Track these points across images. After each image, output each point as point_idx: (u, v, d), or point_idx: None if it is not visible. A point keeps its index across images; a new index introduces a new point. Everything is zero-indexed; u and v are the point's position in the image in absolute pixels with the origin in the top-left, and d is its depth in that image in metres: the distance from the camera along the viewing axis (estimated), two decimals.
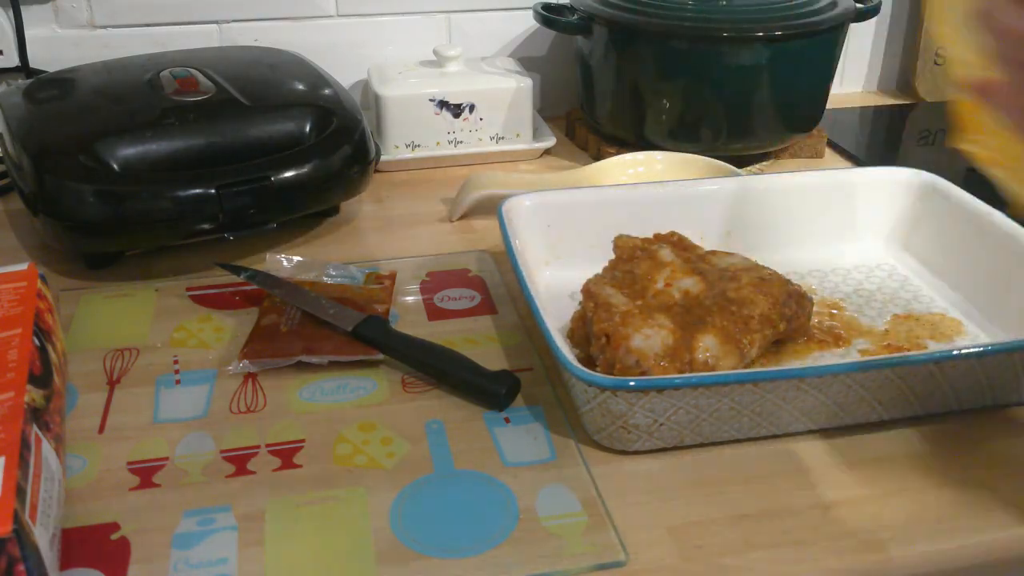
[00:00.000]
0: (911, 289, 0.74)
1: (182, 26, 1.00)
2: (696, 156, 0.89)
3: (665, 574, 0.49)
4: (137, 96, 0.80)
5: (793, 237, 0.78)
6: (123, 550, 0.50)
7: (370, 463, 0.56)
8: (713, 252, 0.69)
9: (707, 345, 0.59)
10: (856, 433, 0.59)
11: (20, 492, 0.45)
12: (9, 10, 0.95)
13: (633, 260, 0.67)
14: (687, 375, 0.56)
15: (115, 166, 0.73)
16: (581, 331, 0.64)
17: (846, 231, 0.79)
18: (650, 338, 0.59)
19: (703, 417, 0.55)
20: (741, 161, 0.92)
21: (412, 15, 1.05)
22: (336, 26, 1.04)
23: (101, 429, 0.59)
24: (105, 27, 0.99)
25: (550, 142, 1.00)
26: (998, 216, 0.71)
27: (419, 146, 0.96)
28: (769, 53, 0.89)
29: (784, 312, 0.63)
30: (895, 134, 1.13)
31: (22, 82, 0.88)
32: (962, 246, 0.73)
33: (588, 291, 0.64)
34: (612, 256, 0.68)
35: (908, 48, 1.20)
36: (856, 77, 1.23)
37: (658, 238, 0.70)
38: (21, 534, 0.43)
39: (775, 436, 0.58)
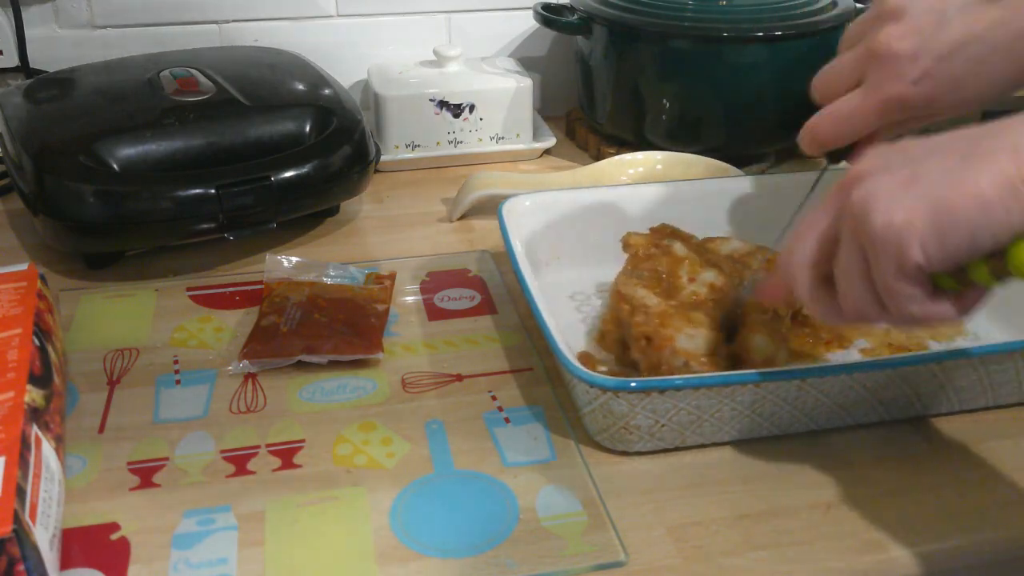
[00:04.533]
0: None
1: (182, 26, 1.00)
2: (696, 156, 0.89)
3: (665, 574, 0.49)
4: (137, 96, 0.80)
5: None
6: (123, 550, 0.50)
7: (370, 463, 0.56)
8: (710, 239, 0.69)
9: (759, 346, 0.59)
10: (856, 433, 0.59)
11: (20, 492, 0.45)
12: (9, 10, 0.95)
13: (651, 258, 0.66)
14: (688, 375, 0.56)
15: (115, 166, 0.73)
16: (615, 334, 0.64)
17: None
18: (694, 337, 0.58)
19: (704, 418, 0.55)
20: (741, 161, 0.92)
21: (412, 15, 1.05)
22: (336, 26, 1.03)
23: (101, 429, 0.59)
24: (105, 27, 0.98)
25: (550, 142, 0.99)
26: None
27: (419, 146, 0.96)
28: (769, 53, 0.89)
29: None
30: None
31: (22, 82, 0.88)
32: None
33: (620, 293, 0.63)
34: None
35: None
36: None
37: (654, 232, 0.69)
38: (21, 534, 0.43)
39: (775, 436, 0.58)
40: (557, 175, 0.89)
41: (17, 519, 0.43)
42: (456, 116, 0.95)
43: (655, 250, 0.67)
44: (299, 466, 0.56)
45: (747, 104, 0.91)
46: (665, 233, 0.69)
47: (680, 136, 0.93)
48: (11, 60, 0.96)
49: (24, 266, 0.63)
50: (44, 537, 0.46)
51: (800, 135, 0.61)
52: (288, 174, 0.75)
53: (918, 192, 0.41)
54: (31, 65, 0.97)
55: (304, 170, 0.76)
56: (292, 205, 0.77)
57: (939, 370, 0.57)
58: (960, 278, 0.42)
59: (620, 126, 0.96)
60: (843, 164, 0.61)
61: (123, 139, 0.74)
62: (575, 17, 0.93)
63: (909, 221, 0.41)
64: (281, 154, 0.77)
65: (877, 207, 0.42)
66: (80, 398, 0.62)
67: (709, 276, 0.63)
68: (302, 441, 0.58)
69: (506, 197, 0.74)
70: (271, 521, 0.52)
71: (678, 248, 0.66)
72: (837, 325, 0.50)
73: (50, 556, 0.46)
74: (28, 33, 0.96)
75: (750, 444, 0.58)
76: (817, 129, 0.60)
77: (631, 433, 0.55)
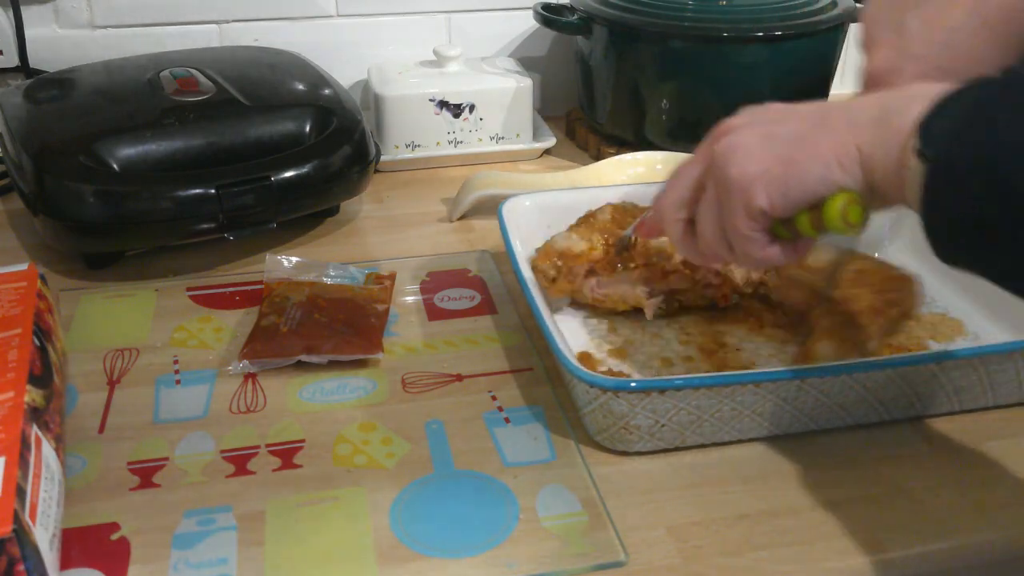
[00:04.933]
0: None
1: (182, 26, 1.00)
2: None
3: (665, 574, 0.49)
4: (137, 96, 0.80)
5: None
6: (123, 550, 0.50)
7: (370, 463, 0.56)
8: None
9: (825, 351, 0.61)
10: (856, 433, 0.59)
11: (20, 492, 0.45)
12: (9, 10, 0.95)
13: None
14: (688, 376, 0.56)
15: (115, 166, 0.73)
16: None
17: None
18: (567, 239, 0.68)
19: (704, 418, 0.55)
20: None
21: (412, 15, 1.05)
22: (336, 26, 1.04)
23: (101, 429, 0.59)
24: (105, 27, 0.98)
25: (550, 142, 0.99)
26: None
27: (419, 146, 0.96)
28: (769, 53, 0.89)
29: (889, 298, 0.64)
30: None
31: (22, 82, 0.88)
32: None
33: (605, 205, 0.71)
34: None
35: None
36: (856, 77, 1.23)
37: None
38: (21, 534, 0.43)
39: (775, 436, 0.58)
40: (557, 175, 0.89)
41: (17, 519, 0.43)
42: (456, 116, 0.95)
43: None
44: (299, 466, 0.56)
45: (747, 104, 0.91)
46: None
47: (680, 136, 0.93)
48: (11, 60, 0.96)
49: (24, 266, 0.62)
50: (44, 537, 0.46)
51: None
52: (288, 174, 0.75)
53: (772, 147, 0.48)
54: (31, 65, 0.97)
55: (304, 170, 0.76)
56: (292, 205, 0.77)
57: (939, 370, 0.57)
58: (791, 229, 0.49)
59: (620, 126, 0.96)
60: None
61: (123, 139, 0.74)
62: (575, 17, 0.93)
63: (761, 171, 0.47)
64: (281, 154, 0.77)
65: (736, 157, 0.48)
66: (80, 398, 0.62)
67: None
68: (302, 441, 0.58)
69: (506, 197, 0.74)
70: (271, 521, 0.52)
71: None
72: (697, 263, 0.60)
73: (50, 556, 0.46)
74: (28, 33, 0.96)
75: (750, 444, 0.58)
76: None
77: (631, 433, 0.55)
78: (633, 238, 0.66)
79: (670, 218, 0.54)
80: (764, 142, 0.48)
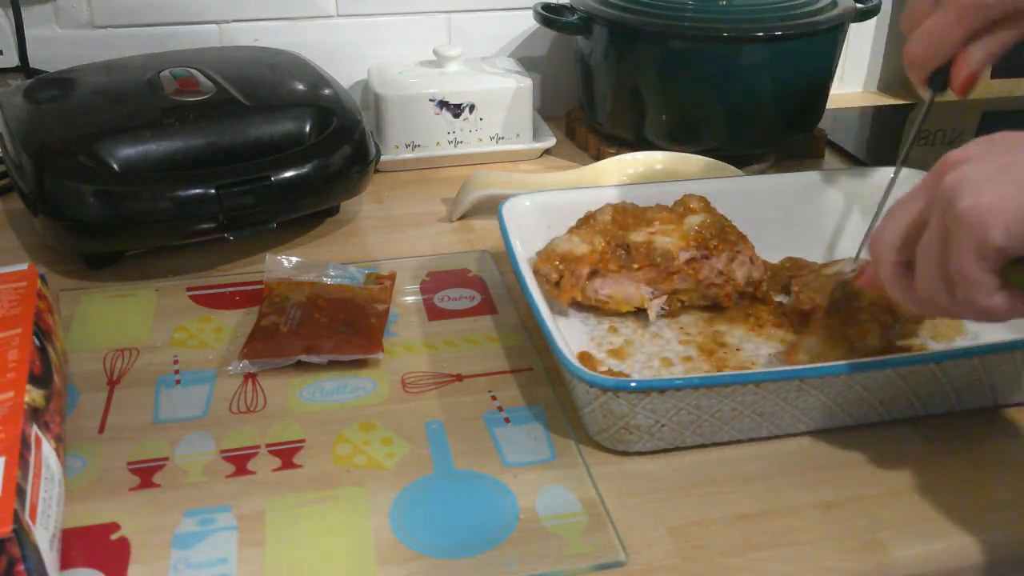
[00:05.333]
0: None
1: (182, 26, 1.00)
2: (696, 156, 0.89)
3: (665, 574, 0.49)
4: (137, 96, 0.80)
5: (793, 237, 0.78)
6: (123, 550, 0.50)
7: (370, 463, 0.56)
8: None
9: (809, 346, 0.61)
10: (856, 433, 0.59)
11: (20, 492, 0.45)
12: (9, 10, 0.95)
13: (668, 210, 0.71)
14: (688, 376, 0.56)
15: (115, 166, 0.73)
16: None
17: (846, 231, 0.79)
18: (568, 242, 0.68)
19: (704, 418, 0.55)
20: (741, 161, 0.92)
21: (412, 15, 1.05)
22: (336, 26, 1.04)
23: (101, 429, 0.59)
24: (105, 27, 0.99)
25: (550, 142, 1.00)
26: None
27: (419, 146, 0.96)
28: (769, 53, 0.89)
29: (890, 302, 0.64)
30: (895, 134, 1.13)
31: (22, 82, 0.88)
32: None
33: (608, 204, 0.71)
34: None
35: None
36: (856, 77, 1.23)
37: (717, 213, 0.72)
38: (21, 534, 0.43)
39: (775, 436, 0.58)
40: (557, 175, 0.89)
41: (17, 519, 0.43)
42: (456, 116, 0.95)
43: (682, 209, 0.71)
44: (299, 466, 0.56)
45: (747, 104, 0.91)
46: (718, 226, 0.70)
47: (680, 136, 0.93)
48: (11, 60, 0.96)
49: (24, 266, 0.62)
50: (44, 537, 0.46)
51: (905, 66, 0.61)
52: (288, 174, 0.75)
53: (1011, 178, 0.42)
54: (31, 65, 0.97)
55: (304, 170, 0.76)
56: (292, 205, 0.77)
57: (939, 370, 0.57)
58: None
59: (620, 126, 0.96)
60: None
61: (123, 139, 0.74)
62: (575, 17, 0.93)
63: (998, 202, 0.42)
64: (281, 154, 0.77)
65: (967, 189, 0.43)
66: (80, 398, 0.62)
67: (660, 238, 0.68)
68: (302, 441, 0.58)
69: (506, 197, 0.74)
70: (271, 521, 0.52)
71: (692, 220, 0.69)
72: (913, 311, 0.52)
73: (50, 556, 0.46)
74: (28, 33, 0.96)
75: (750, 444, 0.58)
76: (910, 52, 0.59)
77: (631, 433, 0.55)
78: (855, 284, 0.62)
79: (884, 259, 0.49)
80: (1003, 172, 0.42)
